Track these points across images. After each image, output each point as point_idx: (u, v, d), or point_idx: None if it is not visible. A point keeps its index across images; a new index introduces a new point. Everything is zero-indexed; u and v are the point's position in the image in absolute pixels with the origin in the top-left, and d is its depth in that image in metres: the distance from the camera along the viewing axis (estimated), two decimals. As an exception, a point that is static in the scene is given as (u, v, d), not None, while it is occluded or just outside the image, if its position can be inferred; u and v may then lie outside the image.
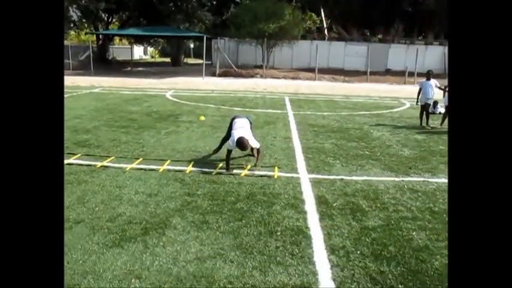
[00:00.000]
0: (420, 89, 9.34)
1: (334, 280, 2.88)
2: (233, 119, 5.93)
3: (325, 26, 31.17)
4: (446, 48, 27.86)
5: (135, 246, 3.24)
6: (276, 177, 5.20)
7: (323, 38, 29.77)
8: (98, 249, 3.18)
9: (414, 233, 3.70)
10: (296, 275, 2.91)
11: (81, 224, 3.62)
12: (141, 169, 5.32)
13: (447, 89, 8.99)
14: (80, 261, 2.98)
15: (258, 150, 5.69)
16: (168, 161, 5.70)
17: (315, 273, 2.95)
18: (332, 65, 27.80)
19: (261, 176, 5.24)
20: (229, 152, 5.49)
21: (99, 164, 5.47)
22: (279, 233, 3.58)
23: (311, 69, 25.14)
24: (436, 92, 9.46)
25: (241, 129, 5.55)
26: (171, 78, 21.84)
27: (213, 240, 3.40)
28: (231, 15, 28.57)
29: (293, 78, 23.22)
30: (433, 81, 9.28)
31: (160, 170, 5.30)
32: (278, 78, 22.89)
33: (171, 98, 13.68)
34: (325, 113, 11.25)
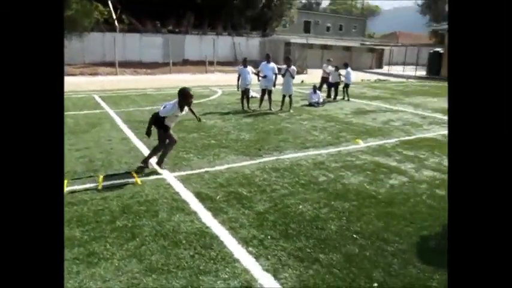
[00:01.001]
0: (239, 76, 10.02)
1: (267, 270, 2.85)
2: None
3: (114, 17, 29.28)
4: (235, 38, 30.76)
5: (12, 314, 2.34)
6: (139, 182, 4.68)
7: (114, 30, 27.95)
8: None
9: (301, 206, 4.04)
10: (231, 278, 2.74)
11: None
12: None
13: (260, 74, 9.98)
14: None
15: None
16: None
17: (247, 271, 2.84)
18: (129, 58, 26.53)
19: (122, 185, 4.61)
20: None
21: None
22: (184, 241, 3.26)
23: (107, 64, 23.38)
24: (253, 77, 10.35)
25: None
26: None
27: (116, 271, 2.81)
28: None
29: (92, 74, 21.04)
30: (250, 68, 10.12)
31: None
32: (74, 75, 20.25)
33: None
34: (147, 108, 10.71)
